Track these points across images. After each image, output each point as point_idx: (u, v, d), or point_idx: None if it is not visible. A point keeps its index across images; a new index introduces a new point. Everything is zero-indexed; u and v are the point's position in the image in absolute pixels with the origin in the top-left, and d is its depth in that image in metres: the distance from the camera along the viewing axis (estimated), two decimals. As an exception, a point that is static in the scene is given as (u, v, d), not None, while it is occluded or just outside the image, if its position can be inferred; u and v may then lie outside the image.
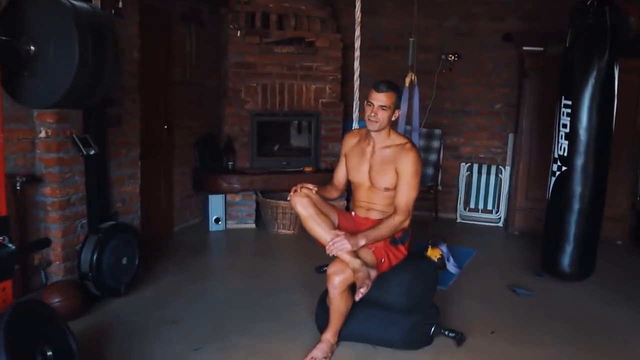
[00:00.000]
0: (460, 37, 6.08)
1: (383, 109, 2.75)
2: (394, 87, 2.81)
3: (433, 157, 5.96)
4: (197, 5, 5.27)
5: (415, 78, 4.22)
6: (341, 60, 5.72)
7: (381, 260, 2.75)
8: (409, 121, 4.17)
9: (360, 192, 2.97)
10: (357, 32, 4.05)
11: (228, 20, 5.43)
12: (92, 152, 3.29)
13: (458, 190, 6.20)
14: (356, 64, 4.13)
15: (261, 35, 5.41)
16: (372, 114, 2.76)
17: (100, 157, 3.46)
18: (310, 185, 2.84)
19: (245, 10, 5.43)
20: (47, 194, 3.27)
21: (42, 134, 3.21)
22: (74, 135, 3.25)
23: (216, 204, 5.34)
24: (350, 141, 3.05)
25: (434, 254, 4.22)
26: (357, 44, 4.08)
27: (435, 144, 5.99)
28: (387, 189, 2.84)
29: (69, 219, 3.36)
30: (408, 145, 2.83)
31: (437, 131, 6.02)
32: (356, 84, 4.15)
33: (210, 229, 5.35)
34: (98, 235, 3.32)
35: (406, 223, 2.79)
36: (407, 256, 2.92)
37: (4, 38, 2.08)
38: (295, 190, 2.79)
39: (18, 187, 3.06)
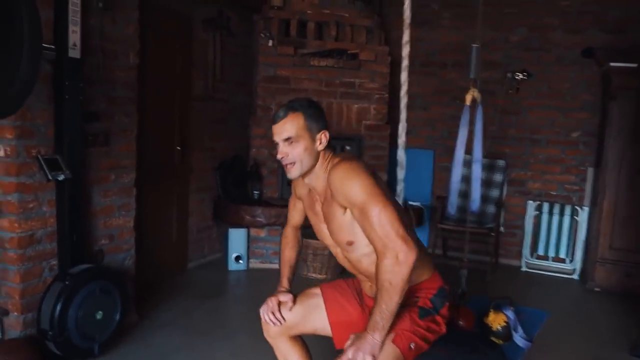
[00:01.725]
0: (530, 53, 5.17)
1: (291, 143, 1.83)
2: (298, 105, 1.87)
3: (494, 193, 5.03)
4: (225, 10, 4.62)
5: (479, 96, 3.35)
6: (389, 76, 4.92)
7: (409, 346, 1.86)
8: (469, 150, 3.30)
9: (343, 261, 2.05)
10: (406, 37, 3.25)
11: (259, 28, 4.76)
12: (60, 177, 2.61)
13: (524, 233, 5.22)
14: (403, 76, 3.33)
15: (296, 45, 4.69)
16: (281, 157, 1.86)
17: (77, 183, 2.78)
18: (282, 307, 2.12)
19: (279, 17, 4.74)
20: (5, 228, 2.60)
21: (1, 153, 2.57)
22: (39, 156, 2.59)
23: (237, 238, 4.60)
24: (299, 186, 2.13)
25: (497, 320, 3.28)
26: (405, 51, 3.28)
27: (498, 177, 5.07)
28: (349, 243, 1.88)
29: (32, 259, 2.68)
30: (335, 161, 1.87)
31: (500, 162, 5.09)
32: (403, 101, 3.34)
33: (229, 268, 4.61)
34: (64, 283, 2.62)
35: (409, 257, 1.68)
36: (451, 328, 2.01)
37: None
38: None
39: (-39, 219, 2.41)
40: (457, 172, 3.33)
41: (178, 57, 4.19)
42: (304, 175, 1.89)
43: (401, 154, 3.31)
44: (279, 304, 2.11)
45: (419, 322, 1.88)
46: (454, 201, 3.37)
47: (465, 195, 4.56)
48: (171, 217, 4.27)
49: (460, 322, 3.34)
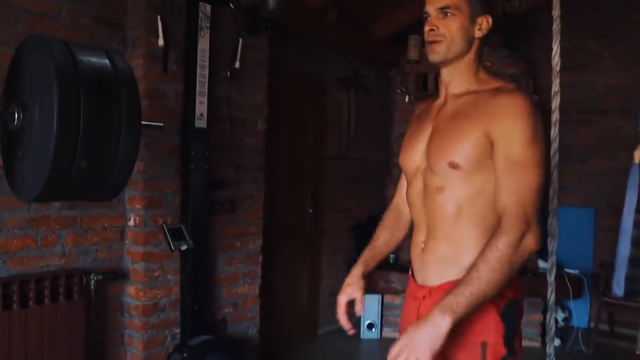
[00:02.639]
0: None
1: (446, 14, 1.45)
2: None
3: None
4: (360, 67, 4.54)
5: (650, 152, 2.81)
6: (540, 128, 4.42)
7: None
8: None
9: (414, 201, 1.57)
10: (555, 87, 2.84)
11: (395, 84, 4.60)
12: (183, 247, 2.61)
13: None
14: (553, 132, 2.90)
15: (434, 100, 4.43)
16: (429, 30, 1.47)
17: (201, 252, 2.77)
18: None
19: (416, 71, 4.54)
20: (131, 295, 2.65)
21: (131, 222, 2.64)
22: (164, 225, 2.62)
23: (370, 305, 4.34)
24: (417, 111, 1.72)
25: None
26: (555, 103, 2.86)
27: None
28: (453, 165, 1.42)
29: (156, 327, 2.69)
30: (510, 87, 1.44)
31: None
32: (553, 160, 2.90)
33: (361, 336, 4.34)
34: (182, 355, 2.57)
35: (531, 246, 1.31)
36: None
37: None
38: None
39: (92, 287, 2.48)
40: (625, 243, 2.80)
41: (311, 117, 4.17)
42: (446, 62, 1.49)
43: (554, 223, 2.84)
44: (347, 304, 1.68)
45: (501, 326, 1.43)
46: (621, 279, 2.82)
47: (637, 262, 3.85)
48: (302, 281, 4.16)
49: None
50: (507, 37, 4.70)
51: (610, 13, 4.73)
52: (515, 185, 1.35)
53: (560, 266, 4.51)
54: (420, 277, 1.55)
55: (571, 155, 4.89)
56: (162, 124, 2.00)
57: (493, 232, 1.36)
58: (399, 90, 4.52)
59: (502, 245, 1.30)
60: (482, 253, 1.32)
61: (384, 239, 1.77)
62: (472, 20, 1.46)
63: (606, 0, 4.72)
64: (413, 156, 1.56)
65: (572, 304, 4.62)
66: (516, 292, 1.45)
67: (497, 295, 1.37)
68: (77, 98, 1.42)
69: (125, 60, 1.56)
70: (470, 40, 1.48)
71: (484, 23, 1.48)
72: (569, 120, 5.22)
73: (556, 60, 2.87)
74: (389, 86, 4.77)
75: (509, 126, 1.36)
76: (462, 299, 1.26)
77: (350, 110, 4.50)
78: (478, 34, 1.48)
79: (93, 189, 1.52)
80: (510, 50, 4.64)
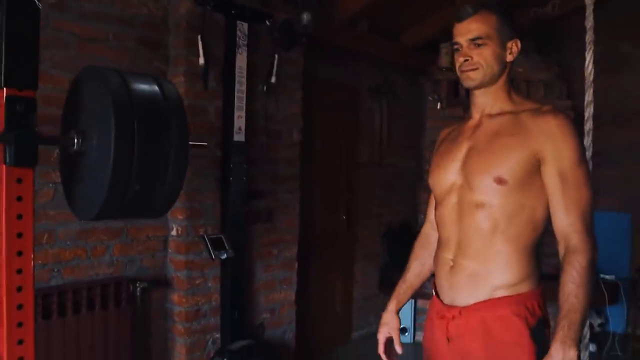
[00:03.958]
0: None
1: (478, 45, 1.51)
2: (490, 4, 1.55)
3: None
4: (391, 75, 4.60)
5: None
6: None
7: None
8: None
9: (445, 219, 1.60)
10: (588, 97, 2.86)
11: (427, 91, 4.65)
12: (223, 256, 2.73)
13: None
14: (587, 140, 2.91)
15: (466, 106, 4.46)
16: (463, 60, 1.53)
17: (240, 260, 2.88)
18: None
19: (447, 79, 4.58)
20: (174, 302, 2.78)
21: (174, 232, 2.77)
22: (205, 235, 2.74)
23: (404, 309, 4.36)
24: (443, 135, 1.77)
25: None
26: (588, 112, 2.88)
27: None
28: (500, 181, 1.46)
29: (197, 332, 2.81)
30: (548, 108, 1.49)
31: None
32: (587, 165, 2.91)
33: (395, 340, 4.41)
34: (223, 359, 2.69)
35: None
36: None
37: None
38: None
39: (138, 294, 2.62)
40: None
41: (344, 126, 4.25)
42: (481, 86, 1.55)
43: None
44: (386, 342, 1.79)
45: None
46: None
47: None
48: (336, 286, 4.25)
49: None
50: (539, 42, 4.70)
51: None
52: (576, 202, 1.42)
53: (596, 272, 4.49)
54: (448, 297, 1.56)
55: (606, 159, 4.85)
56: (206, 143, 2.12)
57: (531, 250, 1.46)
58: (430, 98, 4.56)
59: (585, 263, 1.38)
60: (569, 275, 1.38)
61: (415, 272, 1.83)
62: (503, 46, 1.53)
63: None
64: (447, 174, 1.59)
65: (608, 309, 4.59)
66: (544, 310, 1.49)
67: (527, 313, 1.43)
68: (132, 127, 1.53)
69: (173, 86, 1.67)
70: (503, 65, 1.54)
71: (514, 47, 1.54)
72: (603, 123, 5.19)
73: (589, 69, 2.90)
74: (420, 94, 4.82)
75: (560, 146, 1.42)
76: (576, 327, 1.35)
77: (382, 118, 4.56)
78: (509, 57, 1.54)
79: (145, 209, 1.64)
80: (542, 55, 4.64)
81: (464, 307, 1.51)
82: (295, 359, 3.35)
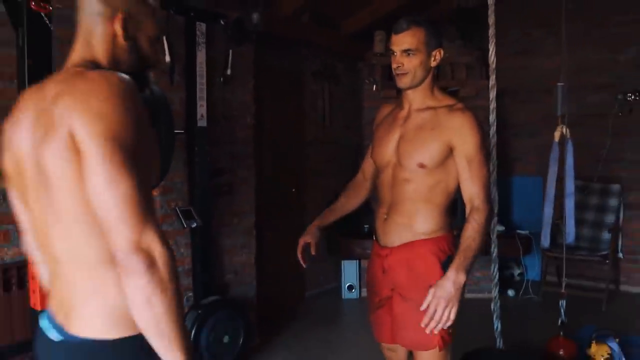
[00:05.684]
0: (642, 73, 5.04)
1: (409, 54, 1.92)
2: (421, 20, 1.97)
3: (609, 218, 4.92)
4: (332, 61, 5.11)
5: (568, 131, 3.45)
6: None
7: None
8: (560, 186, 3.41)
9: (383, 185, 2.10)
10: (492, 81, 3.47)
11: (364, 75, 5.18)
12: (193, 225, 3.19)
13: (647, 259, 5.02)
14: (491, 117, 3.52)
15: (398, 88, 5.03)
16: (396, 66, 1.96)
17: (207, 229, 3.36)
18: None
19: (382, 63, 5.12)
20: (153, 267, 3.23)
21: (149, 207, 3.21)
22: (177, 208, 3.20)
23: (350, 270, 5.00)
24: (383, 112, 2.23)
25: (599, 352, 3.32)
26: (492, 93, 3.49)
27: (612, 202, 4.96)
28: (422, 166, 1.97)
29: (174, 292, 3.28)
30: (459, 106, 1.99)
31: (615, 187, 4.98)
32: (492, 140, 3.53)
33: (343, 297, 5.01)
34: (197, 312, 3.18)
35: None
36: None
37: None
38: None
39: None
40: (549, 207, 3.46)
41: (291, 109, 4.74)
42: (410, 87, 1.99)
43: (494, 192, 3.49)
44: (303, 245, 2.26)
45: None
46: (547, 234, 3.49)
47: (580, 222, 4.58)
48: (290, 251, 4.76)
49: (561, 353, 3.42)
50: (462, 29, 5.29)
51: (552, 4, 5.35)
52: (477, 176, 1.93)
53: (514, 228, 5.21)
54: (382, 240, 2.09)
55: (523, 130, 5.56)
56: (183, 131, 2.57)
57: (445, 209, 2.03)
58: (367, 81, 5.10)
59: (481, 219, 1.91)
60: (470, 226, 1.91)
61: (341, 202, 2.33)
62: (428, 55, 1.96)
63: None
64: (384, 153, 2.09)
65: (525, 260, 5.31)
66: (452, 250, 2.01)
67: (439, 251, 2.00)
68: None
69: (159, 87, 2.13)
70: (428, 70, 1.98)
71: (437, 55, 1.99)
72: (520, 99, 5.89)
73: (492, 59, 3.51)
74: (358, 77, 5.35)
75: (466, 137, 1.92)
76: (469, 260, 1.87)
77: (324, 101, 5.08)
78: (433, 63, 1.99)
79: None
80: (465, 41, 5.24)
81: (393, 247, 2.05)
82: (257, 313, 3.87)
